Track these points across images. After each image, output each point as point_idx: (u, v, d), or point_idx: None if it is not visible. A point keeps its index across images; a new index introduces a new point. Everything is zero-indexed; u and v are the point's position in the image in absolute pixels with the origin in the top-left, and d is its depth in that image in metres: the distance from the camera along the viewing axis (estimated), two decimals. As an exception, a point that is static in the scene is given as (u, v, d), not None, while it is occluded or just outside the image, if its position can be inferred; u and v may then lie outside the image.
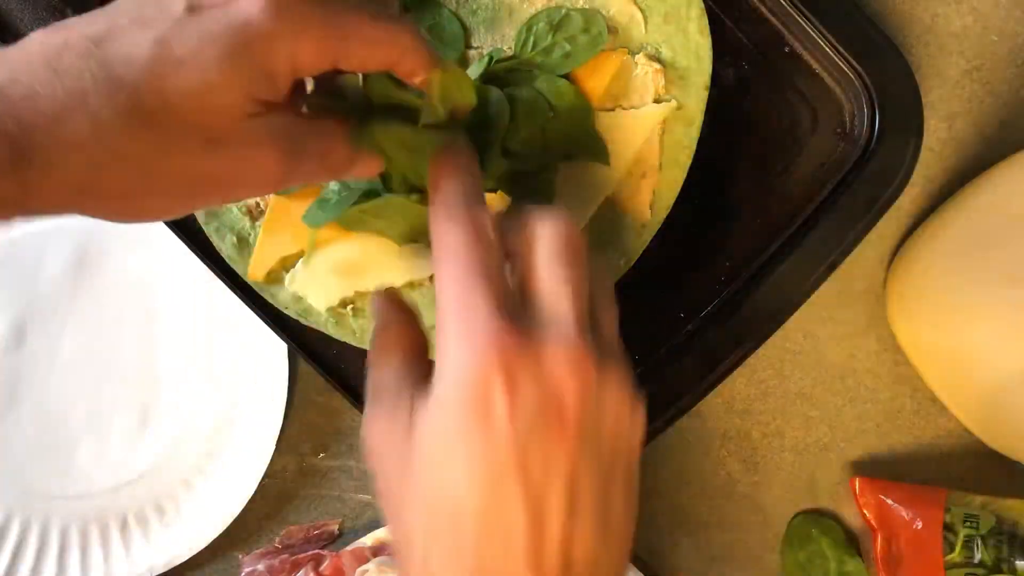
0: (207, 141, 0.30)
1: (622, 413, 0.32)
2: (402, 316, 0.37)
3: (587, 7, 0.47)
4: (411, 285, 0.49)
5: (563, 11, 0.46)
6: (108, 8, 0.30)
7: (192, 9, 0.29)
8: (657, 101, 0.47)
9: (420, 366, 0.35)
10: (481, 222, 0.33)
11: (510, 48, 0.47)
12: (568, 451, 0.30)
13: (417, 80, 0.35)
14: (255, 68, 0.30)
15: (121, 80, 0.28)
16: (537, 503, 0.30)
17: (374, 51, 0.33)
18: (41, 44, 0.28)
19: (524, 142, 0.44)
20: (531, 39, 0.46)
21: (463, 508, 0.30)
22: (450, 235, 0.32)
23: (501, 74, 0.45)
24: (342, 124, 0.36)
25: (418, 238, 0.46)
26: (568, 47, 0.46)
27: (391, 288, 0.39)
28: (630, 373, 0.32)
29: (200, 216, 0.49)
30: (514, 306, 0.31)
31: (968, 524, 0.52)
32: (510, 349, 0.30)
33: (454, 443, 0.30)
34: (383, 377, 0.35)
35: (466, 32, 0.47)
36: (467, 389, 0.30)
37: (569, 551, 0.31)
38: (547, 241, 0.32)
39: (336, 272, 0.48)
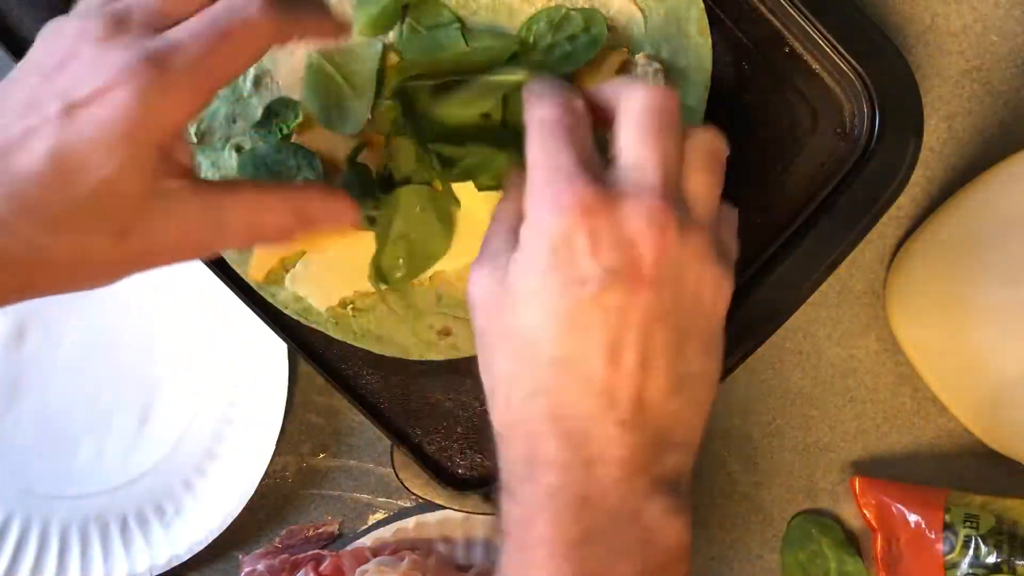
0: (118, 233, 0.32)
1: (704, 277, 0.34)
2: (518, 183, 0.38)
3: (587, 7, 0.47)
4: (410, 284, 0.49)
5: (563, 10, 0.46)
6: (2, 107, 0.32)
7: (69, 112, 0.31)
8: (657, 101, 0.47)
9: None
10: (569, 97, 0.35)
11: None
12: (643, 301, 0.32)
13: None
14: (144, 151, 0.32)
15: (29, 199, 0.31)
16: (613, 347, 0.32)
17: (249, 57, 0.34)
18: None
19: None
20: (531, 39, 0.46)
21: (543, 348, 0.33)
22: (539, 108, 0.35)
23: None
24: (279, 190, 0.38)
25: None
26: (568, 47, 0.46)
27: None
28: (729, 251, 0.36)
29: (200, 216, 0.49)
30: (598, 168, 0.34)
31: (968, 524, 0.52)
32: (592, 204, 0.32)
33: (539, 288, 0.33)
34: (491, 236, 0.37)
35: (466, 32, 0.47)
36: (552, 239, 0.32)
37: (642, 395, 0.33)
38: (635, 107, 0.34)
39: (336, 271, 0.48)
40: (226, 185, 0.36)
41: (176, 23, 0.33)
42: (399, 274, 0.47)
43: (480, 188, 0.43)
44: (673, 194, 0.34)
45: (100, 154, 0.31)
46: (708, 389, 0.35)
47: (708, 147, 0.36)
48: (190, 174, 0.35)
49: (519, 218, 0.35)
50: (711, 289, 0.34)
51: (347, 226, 0.39)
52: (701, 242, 0.34)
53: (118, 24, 0.32)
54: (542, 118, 0.35)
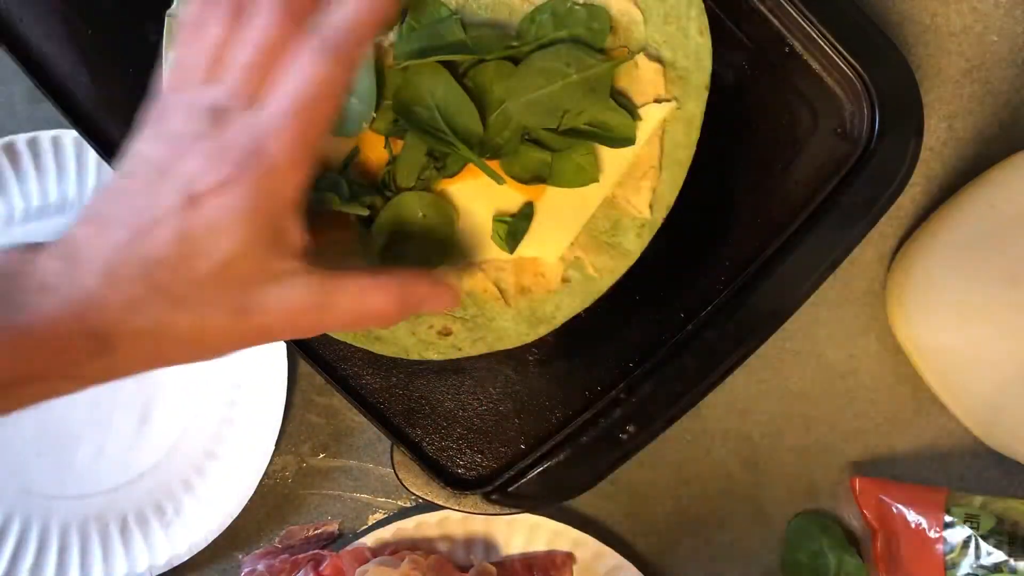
0: (236, 311, 0.35)
1: None
2: None
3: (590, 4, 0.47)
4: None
5: (568, 4, 0.46)
6: (125, 201, 0.35)
7: (190, 202, 0.34)
8: (657, 101, 0.47)
9: None
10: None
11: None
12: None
13: None
14: (260, 233, 0.34)
15: (159, 281, 0.34)
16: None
17: (336, 92, 0.36)
18: (96, 255, 0.34)
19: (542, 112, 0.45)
20: (533, 29, 0.46)
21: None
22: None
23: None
24: (385, 277, 0.39)
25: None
26: (569, 41, 0.46)
27: None
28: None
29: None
30: None
31: (968, 524, 0.52)
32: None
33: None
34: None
35: (467, 31, 0.47)
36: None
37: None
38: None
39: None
40: (338, 272, 0.38)
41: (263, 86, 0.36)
42: None
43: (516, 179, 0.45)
44: None
45: (218, 238, 0.34)
46: None
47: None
48: (305, 256, 0.37)
49: None
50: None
51: (446, 308, 0.42)
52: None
53: (219, 119, 0.35)
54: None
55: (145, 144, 0.36)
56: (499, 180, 0.46)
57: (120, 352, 0.34)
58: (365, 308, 0.38)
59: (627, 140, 0.46)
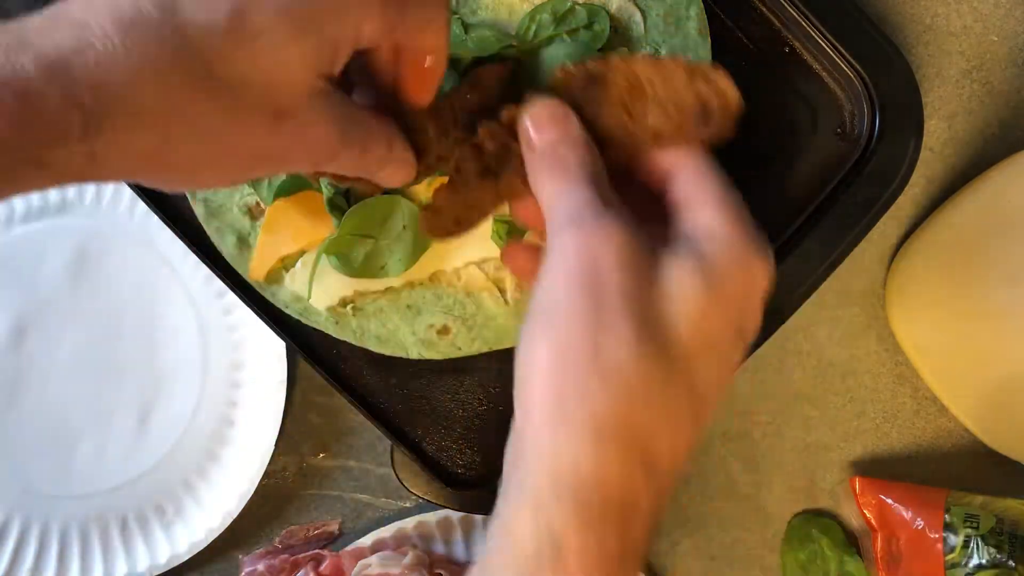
0: (274, 116, 0.30)
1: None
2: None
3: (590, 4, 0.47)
4: (410, 284, 0.49)
5: (568, 4, 0.46)
6: None
7: None
8: (657, 101, 0.47)
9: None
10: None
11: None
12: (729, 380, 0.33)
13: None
14: (324, 43, 0.30)
15: (197, 51, 0.27)
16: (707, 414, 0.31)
17: (426, 22, 0.33)
18: (110, 3, 0.27)
19: None
20: (533, 28, 0.46)
21: (695, 375, 0.30)
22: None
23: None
24: (385, 121, 0.35)
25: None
26: (568, 41, 0.46)
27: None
28: None
29: (200, 215, 0.49)
30: None
31: (968, 524, 0.52)
32: (767, 269, 0.33)
33: (725, 313, 0.31)
34: (602, 190, 0.33)
35: (467, 31, 0.47)
36: (758, 281, 0.32)
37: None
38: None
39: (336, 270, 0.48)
40: (357, 104, 0.34)
41: None
42: (352, 268, 0.47)
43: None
44: None
45: (286, 28, 0.28)
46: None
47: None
48: (335, 84, 0.32)
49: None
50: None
51: (403, 179, 0.37)
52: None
53: None
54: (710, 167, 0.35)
55: None
56: None
57: (111, 135, 0.27)
58: (367, 149, 0.34)
59: None
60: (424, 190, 0.47)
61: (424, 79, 0.35)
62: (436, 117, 0.37)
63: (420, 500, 0.55)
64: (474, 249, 0.48)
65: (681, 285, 0.30)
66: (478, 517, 0.55)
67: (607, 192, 0.33)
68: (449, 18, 0.34)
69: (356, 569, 0.54)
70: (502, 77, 0.41)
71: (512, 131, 0.36)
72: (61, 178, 0.27)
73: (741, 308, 0.32)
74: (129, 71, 0.26)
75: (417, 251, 0.47)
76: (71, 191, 0.56)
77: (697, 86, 0.35)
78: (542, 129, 0.34)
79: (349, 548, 0.55)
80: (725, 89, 0.35)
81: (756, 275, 0.32)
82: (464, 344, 0.49)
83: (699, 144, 0.35)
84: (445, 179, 0.46)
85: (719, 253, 0.32)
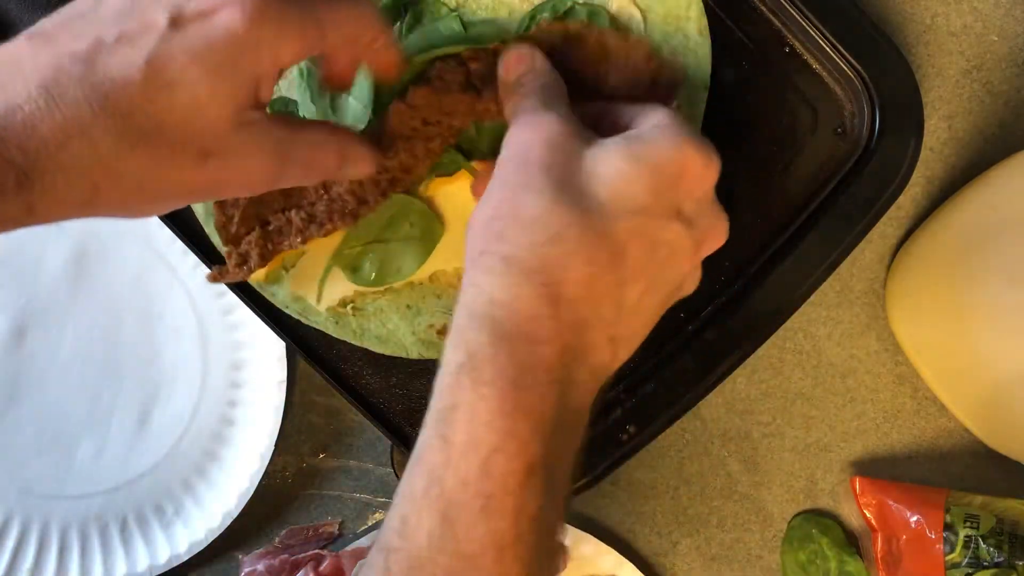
0: (198, 155, 0.31)
1: (699, 261, 0.38)
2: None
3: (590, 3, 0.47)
4: (410, 285, 0.49)
5: (569, 3, 0.46)
6: (88, 15, 0.30)
7: (175, 23, 0.30)
8: (657, 101, 0.47)
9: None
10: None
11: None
12: (683, 270, 0.36)
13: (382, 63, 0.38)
14: (242, 79, 0.31)
15: (116, 106, 0.29)
16: (651, 282, 0.34)
17: (346, 36, 0.35)
18: (33, 64, 0.29)
19: None
20: (532, 27, 0.46)
21: (615, 232, 0.33)
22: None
23: None
24: (332, 131, 0.37)
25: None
26: None
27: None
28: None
29: (200, 216, 0.49)
30: None
31: (968, 524, 0.52)
32: (714, 177, 0.35)
33: (648, 182, 0.33)
34: (552, 99, 0.38)
35: (466, 30, 0.47)
36: (690, 161, 0.34)
37: (630, 334, 0.35)
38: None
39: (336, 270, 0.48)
40: (293, 123, 0.36)
41: None
42: (369, 278, 0.47)
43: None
44: None
45: (199, 72, 0.30)
46: (640, 340, 0.37)
47: None
48: (265, 108, 0.34)
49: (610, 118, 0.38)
50: (694, 272, 0.38)
51: (364, 173, 0.40)
52: (722, 232, 0.38)
53: None
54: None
55: None
56: None
57: (43, 189, 0.29)
58: (315, 159, 0.36)
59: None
60: (424, 187, 0.47)
61: (379, 63, 0.38)
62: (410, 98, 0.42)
63: (420, 500, 0.54)
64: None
65: (605, 156, 0.34)
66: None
67: (556, 103, 0.37)
68: (371, 4, 0.35)
69: (356, 569, 0.53)
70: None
71: (495, 57, 0.42)
72: (2, 226, 0.30)
73: (673, 186, 0.34)
74: (54, 129, 0.28)
75: (428, 247, 0.47)
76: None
77: (652, 64, 0.43)
78: (510, 68, 0.40)
79: (349, 548, 0.55)
80: (673, 71, 0.44)
81: (691, 158, 0.34)
82: (464, 344, 0.49)
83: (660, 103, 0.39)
84: (445, 179, 0.47)
85: (648, 132, 0.35)
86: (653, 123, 0.36)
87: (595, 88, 0.43)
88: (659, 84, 0.43)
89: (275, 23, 0.31)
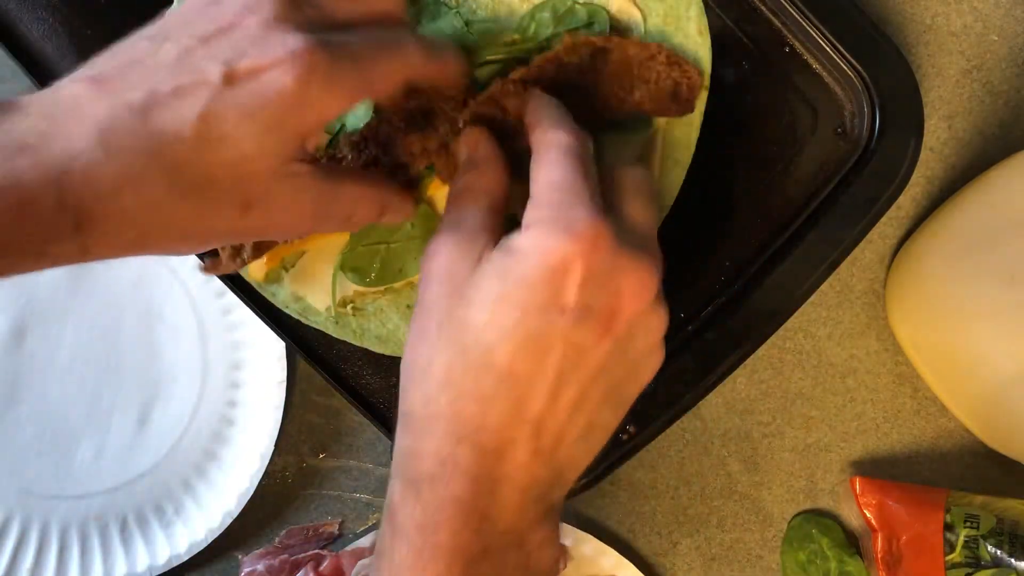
0: (242, 206, 0.32)
1: (652, 349, 0.36)
2: (496, 157, 0.39)
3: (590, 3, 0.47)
4: (411, 285, 0.49)
5: (568, 3, 0.46)
6: (145, 61, 0.31)
7: (228, 79, 0.31)
8: (657, 101, 0.47)
9: (500, 215, 0.38)
10: (584, 135, 0.37)
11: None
12: (602, 350, 0.34)
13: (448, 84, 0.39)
14: (289, 135, 0.32)
15: (168, 159, 0.30)
16: (559, 381, 0.33)
17: (396, 83, 0.35)
18: (92, 111, 0.30)
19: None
20: (532, 26, 0.46)
21: (496, 356, 0.33)
22: (561, 131, 0.36)
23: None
24: (372, 184, 0.38)
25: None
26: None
27: (483, 128, 0.41)
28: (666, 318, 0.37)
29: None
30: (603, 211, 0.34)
31: (968, 524, 0.52)
32: (602, 243, 0.33)
33: (516, 299, 0.33)
34: (465, 214, 0.37)
35: (468, 27, 0.47)
36: (552, 259, 0.33)
37: (562, 433, 0.34)
38: (634, 179, 0.37)
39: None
40: (337, 175, 0.36)
41: (338, 25, 0.34)
42: (368, 279, 0.47)
43: None
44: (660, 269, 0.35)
45: (248, 129, 0.31)
46: (604, 441, 0.37)
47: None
48: (315, 160, 0.35)
49: (498, 203, 0.37)
50: (650, 361, 0.37)
51: (401, 220, 0.41)
52: (662, 319, 0.36)
53: (294, 6, 0.32)
54: (562, 142, 0.36)
55: (188, 8, 0.33)
56: None
57: (98, 233, 0.30)
58: (354, 211, 0.37)
59: (645, 126, 0.46)
60: (424, 188, 0.47)
61: (441, 81, 0.39)
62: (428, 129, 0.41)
63: (420, 500, 0.55)
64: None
65: (479, 280, 0.34)
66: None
67: (475, 202, 0.37)
68: (416, 40, 0.36)
69: (356, 569, 0.54)
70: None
71: (524, 86, 0.42)
72: (58, 263, 0.31)
73: (549, 287, 0.33)
74: (110, 179, 0.30)
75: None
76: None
77: (673, 72, 0.44)
78: (554, 125, 0.38)
79: (349, 548, 0.55)
80: (694, 76, 0.44)
81: (561, 252, 0.33)
82: (464, 344, 0.49)
83: (555, 119, 0.38)
84: (442, 180, 0.47)
85: (518, 239, 0.34)
86: (528, 220, 0.34)
87: (621, 102, 0.44)
88: (680, 91, 0.44)
89: (324, 83, 0.32)
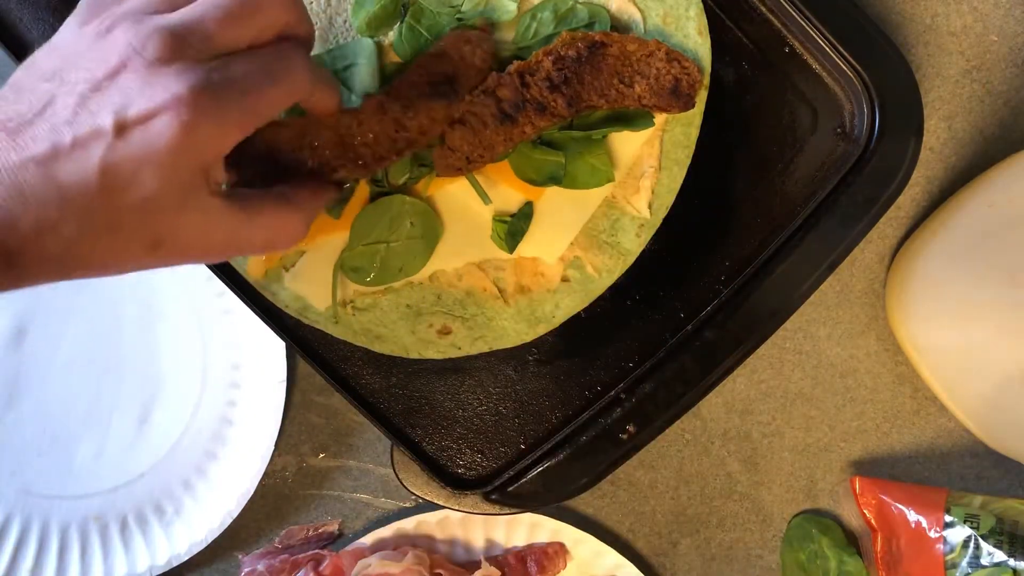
0: (152, 243, 0.35)
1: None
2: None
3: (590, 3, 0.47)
4: (411, 285, 0.49)
5: (570, 2, 0.46)
6: (45, 113, 0.33)
7: (119, 130, 0.32)
8: (657, 101, 0.47)
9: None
10: None
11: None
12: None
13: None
14: (187, 174, 0.34)
15: (78, 207, 0.33)
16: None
17: (284, 105, 0.37)
18: (5, 164, 0.32)
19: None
20: (533, 26, 0.46)
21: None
22: None
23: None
24: (291, 207, 0.39)
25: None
26: None
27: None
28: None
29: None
30: None
31: (968, 524, 0.52)
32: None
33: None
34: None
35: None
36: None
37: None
38: None
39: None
40: (251, 202, 0.38)
41: (225, 53, 0.35)
42: (368, 278, 0.47)
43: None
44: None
45: (147, 173, 0.33)
46: None
47: None
48: (221, 189, 0.36)
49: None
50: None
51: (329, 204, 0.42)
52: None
53: (176, 46, 0.34)
54: None
55: (86, 40, 0.35)
56: (486, 200, 0.47)
57: (26, 268, 0.33)
58: (275, 236, 0.39)
59: (647, 120, 0.46)
60: (423, 187, 0.47)
61: (321, 110, 0.41)
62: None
63: (420, 500, 0.55)
64: (474, 249, 0.48)
65: None
66: (478, 517, 0.55)
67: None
68: (303, 63, 0.37)
69: (356, 569, 0.54)
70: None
71: (522, 79, 0.44)
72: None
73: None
74: (29, 224, 0.32)
75: (429, 247, 0.47)
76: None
77: (673, 68, 0.45)
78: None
79: (349, 548, 0.55)
80: (693, 72, 0.45)
81: None
82: (464, 344, 0.49)
83: None
84: (445, 179, 0.47)
85: None
86: None
87: (621, 96, 0.45)
88: (680, 87, 0.45)
89: (212, 122, 0.33)
